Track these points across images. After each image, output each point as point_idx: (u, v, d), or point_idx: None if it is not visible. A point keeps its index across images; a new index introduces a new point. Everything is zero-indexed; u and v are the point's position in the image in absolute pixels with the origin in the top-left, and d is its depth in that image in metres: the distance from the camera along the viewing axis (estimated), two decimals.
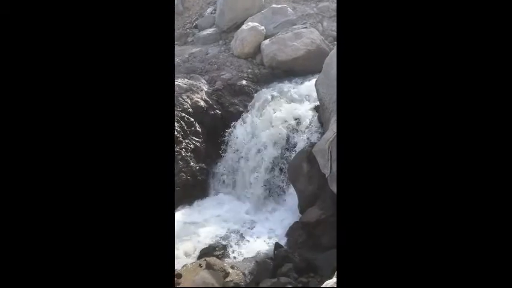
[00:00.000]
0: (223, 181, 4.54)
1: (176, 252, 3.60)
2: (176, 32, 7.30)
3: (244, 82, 5.07)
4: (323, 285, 1.83)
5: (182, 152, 4.45)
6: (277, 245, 3.40)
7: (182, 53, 6.05)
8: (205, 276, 2.35)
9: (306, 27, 5.49)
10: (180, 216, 4.15)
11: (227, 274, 2.78)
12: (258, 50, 5.48)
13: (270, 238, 3.66)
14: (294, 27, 5.56)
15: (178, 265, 3.18)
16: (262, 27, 5.59)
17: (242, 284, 2.73)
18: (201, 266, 2.88)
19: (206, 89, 5.00)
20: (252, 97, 4.86)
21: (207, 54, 5.84)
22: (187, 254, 3.55)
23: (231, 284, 2.61)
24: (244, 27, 5.66)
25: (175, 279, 2.65)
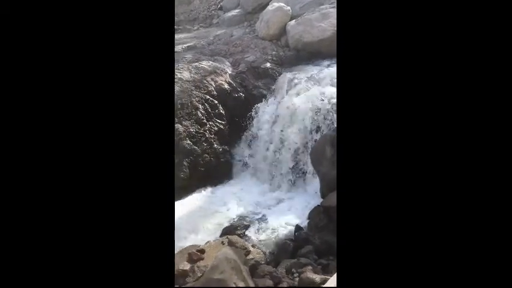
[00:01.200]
0: (246, 163, 4.60)
1: (198, 230, 3.75)
2: (201, 14, 7.28)
3: (268, 65, 5.01)
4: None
5: (206, 133, 4.54)
6: (297, 227, 3.43)
7: (207, 35, 6.05)
8: (227, 252, 2.44)
9: (333, 7, 5.28)
10: (203, 195, 4.29)
11: (248, 252, 2.86)
12: (283, 31, 5.36)
13: (290, 220, 3.70)
14: (322, 7, 5.36)
15: (201, 242, 3.32)
16: (288, 8, 5.44)
17: (263, 262, 2.81)
18: (223, 243, 2.98)
19: (230, 72, 5.00)
20: (276, 80, 4.81)
21: (232, 36, 5.80)
22: (209, 232, 3.68)
23: (252, 262, 2.69)
24: (269, 7, 5.54)
25: (199, 254, 2.77)
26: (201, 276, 2.48)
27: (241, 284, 2.24)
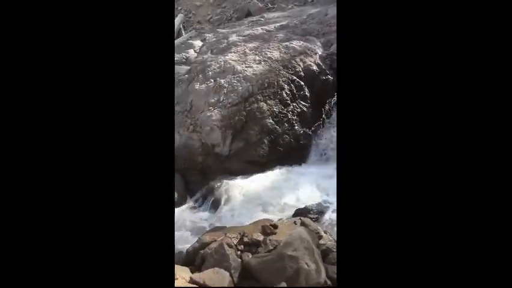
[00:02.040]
0: (325, 149, 4.48)
1: (271, 206, 3.87)
2: None
3: None
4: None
5: (289, 114, 4.54)
6: None
7: (300, 13, 5.92)
8: (301, 231, 2.46)
9: None
10: (277, 175, 4.36)
11: (320, 237, 2.83)
12: None
13: None
14: None
15: (274, 217, 3.42)
16: None
17: (334, 250, 2.75)
18: (296, 223, 3.01)
19: (320, 53, 4.83)
20: None
21: (326, 15, 5.54)
22: (282, 210, 3.76)
23: (324, 247, 2.66)
24: None
25: (272, 228, 2.86)
26: (273, 249, 2.57)
27: (313, 266, 2.25)
